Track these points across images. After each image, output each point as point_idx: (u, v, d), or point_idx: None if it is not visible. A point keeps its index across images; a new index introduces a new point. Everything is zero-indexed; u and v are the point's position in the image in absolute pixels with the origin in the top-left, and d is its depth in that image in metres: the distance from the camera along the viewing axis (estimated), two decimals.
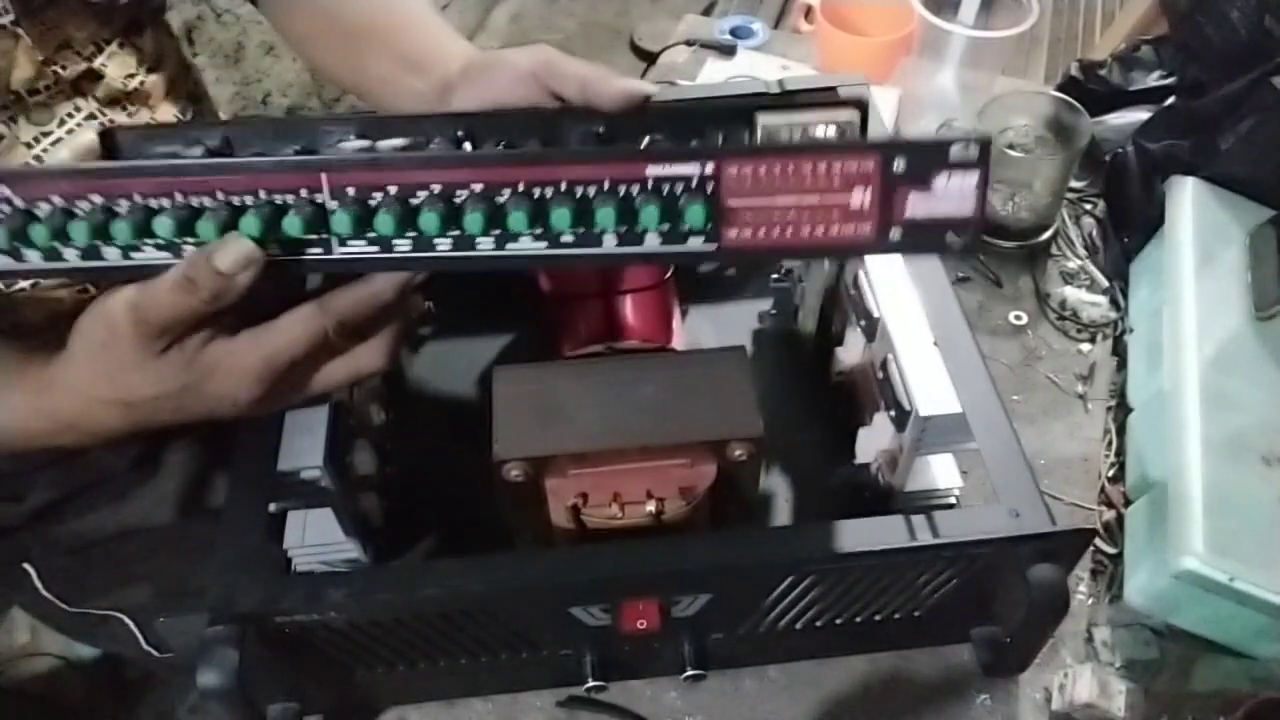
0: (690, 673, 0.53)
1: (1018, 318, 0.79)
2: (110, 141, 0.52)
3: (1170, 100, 0.84)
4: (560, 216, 0.40)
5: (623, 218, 0.41)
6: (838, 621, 0.53)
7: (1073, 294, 0.80)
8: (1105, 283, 0.81)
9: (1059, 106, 0.83)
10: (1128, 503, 0.66)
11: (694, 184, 0.41)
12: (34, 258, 0.42)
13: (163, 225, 0.40)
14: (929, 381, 0.52)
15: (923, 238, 0.41)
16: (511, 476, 0.50)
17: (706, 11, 1.13)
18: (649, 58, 1.06)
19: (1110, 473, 0.70)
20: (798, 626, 0.53)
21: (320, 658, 0.51)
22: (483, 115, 0.51)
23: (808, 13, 1.03)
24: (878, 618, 0.53)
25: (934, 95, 0.91)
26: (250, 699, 0.46)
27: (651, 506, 0.49)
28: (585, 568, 0.47)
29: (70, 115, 0.59)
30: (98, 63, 0.60)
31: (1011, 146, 0.83)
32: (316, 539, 0.54)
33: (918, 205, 0.41)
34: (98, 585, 0.74)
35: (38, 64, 0.56)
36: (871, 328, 0.57)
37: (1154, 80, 0.87)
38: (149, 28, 0.65)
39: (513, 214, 0.41)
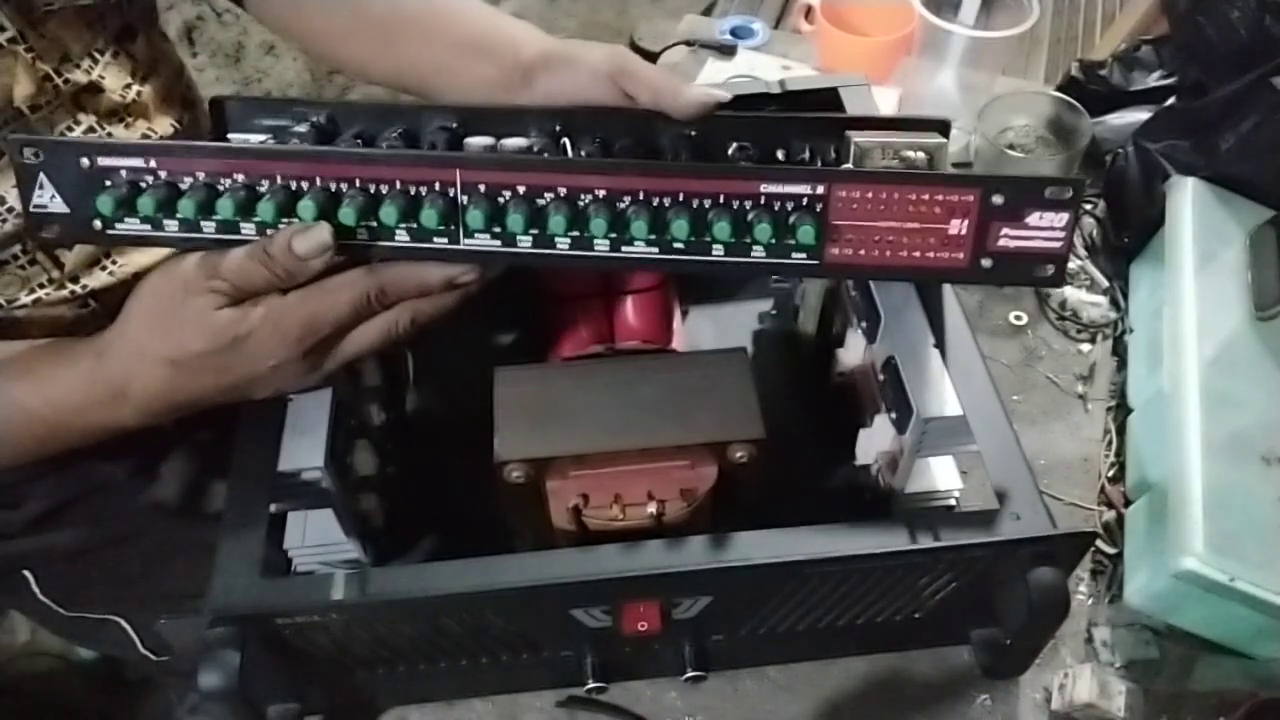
0: (691, 674, 0.53)
1: (1018, 318, 0.79)
2: (219, 112, 0.56)
3: (1170, 100, 0.84)
4: (679, 227, 0.43)
5: (736, 232, 0.43)
6: (838, 623, 0.53)
7: (1073, 294, 0.80)
8: (1105, 283, 0.81)
9: (1059, 107, 0.83)
10: (1128, 503, 0.67)
11: (804, 203, 0.43)
12: (172, 227, 0.45)
13: (305, 208, 0.44)
14: (930, 383, 0.52)
15: (1012, 269, 0.44)
16: (512, 478, 0.50)
17: (707, 11, 1.13)
18: (649, 58, 1.06)
19: (1110, 473, 0.70)
20: (798, 628, 0.53)
21: (321, 659, 0.51)
22: (578, 112, 0.55)
23: (808, 13, 1.03)
24: (878, 619, 0.53)
25: (934, 95, 0.92)
26: (251, 700, 0.46)
27: (652, 508, 0.49)
28: (586, 570, 0.47)
29: (70, 129, 0.59)
30: (95, 74, 0.60)
31: (1012, 147, 0.83)
32: (317, 539, 0.54)
33: (1010, 238, 0.43)
34: (95, 590, 0.74)
35: (38, 79, 0.56)
36: (873, 329, 0.57)
37: (1154, 80, 0.87)
38: (141, 33, 0.65)
39: (634, 222, 0.43)
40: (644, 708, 0.58)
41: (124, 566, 0.74)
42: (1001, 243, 0.43)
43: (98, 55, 0.61)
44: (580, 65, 0.55)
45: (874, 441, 0.59)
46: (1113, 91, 0.88)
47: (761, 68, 1.00)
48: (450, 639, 0.51)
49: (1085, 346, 0.77)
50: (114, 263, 0.63)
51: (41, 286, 0.60)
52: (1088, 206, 0.86)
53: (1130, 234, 0.80)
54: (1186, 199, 0.73)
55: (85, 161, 0.44)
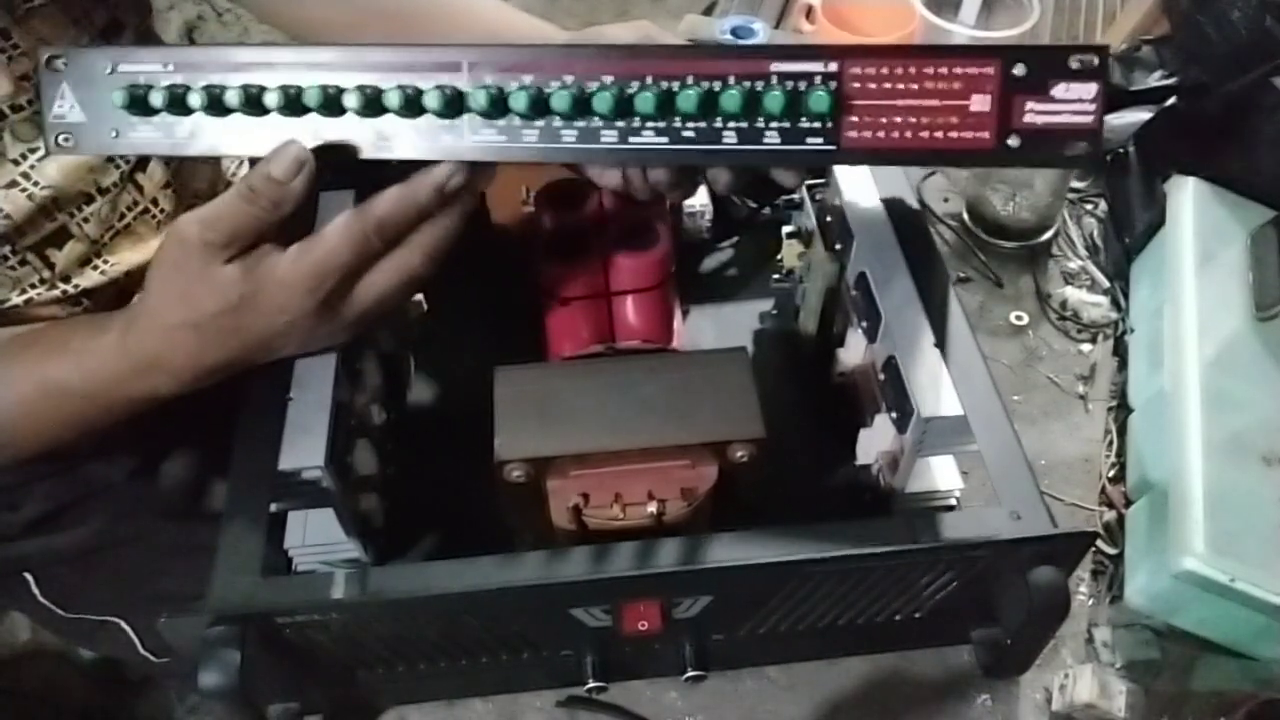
0: (691, 673, 0.53)
1: (1018, 318, 0.79)
2: None
3: (1171, 100, 0.84)
4: (686, 99, 0.42)
5: (747, 106, 0.42)
6: (839, 623, 0.53)
7: (1073, 294, 0.80)
8: (1106, 283, 0.81)
9: None
10: (1128, 503, 0.67)
11: (816, 80, 0.42)
12: (183, 133, 0.46)
13: (311, 97, 0.45)
14: (931, 383, 0.52)
15: (1042, 147, 0.42)
16: (513, 477, 0.50)
17: (707, 11, 1.13)
18: None
19: (1111, 473, 0.70)
20: (799, 628, 0.53)
21: (321, 658, 0.50)
22: None
23: (808, 13, 1.03)
24: (878, 619, 0.53)
25: None
26: (251, 700, 0.46)
27: (653, 507, 0.49)
28: (586, 569, 0.47)
29: None
30: None
31: None
32: (317, 539, 0.54)
33: (1037, 113, 0.41)
34: (95, 592, 0.74)
35: (15, 79, 0.56)
36: (873, 329, 0.57)
37: (1155, 80, 0.87)
38: (128, 28, 0.64)
39: (639, 96, 0.42)
40: (644, 708, 0.58)
41: (124, 568, 0.73)
42: (1028, 118, 0.42)
43: None
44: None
45: (874, 441, 0.59)
46: (1113, 91, 0.88)
47: None
48: (450, 638, 0.51)
49: (1086, 346, 0.77)
50: (105, 262, 0.62)
51: (33, 286, 0.60)
52: (1088, 206, 0.86)
53: (1131, 234, 0.80)
54: (1186, 199, 0.73)
55: (107, 67, 0.46)
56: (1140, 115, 0.83)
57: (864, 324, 0.58)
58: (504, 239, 0.73)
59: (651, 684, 0.59)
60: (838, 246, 0.62)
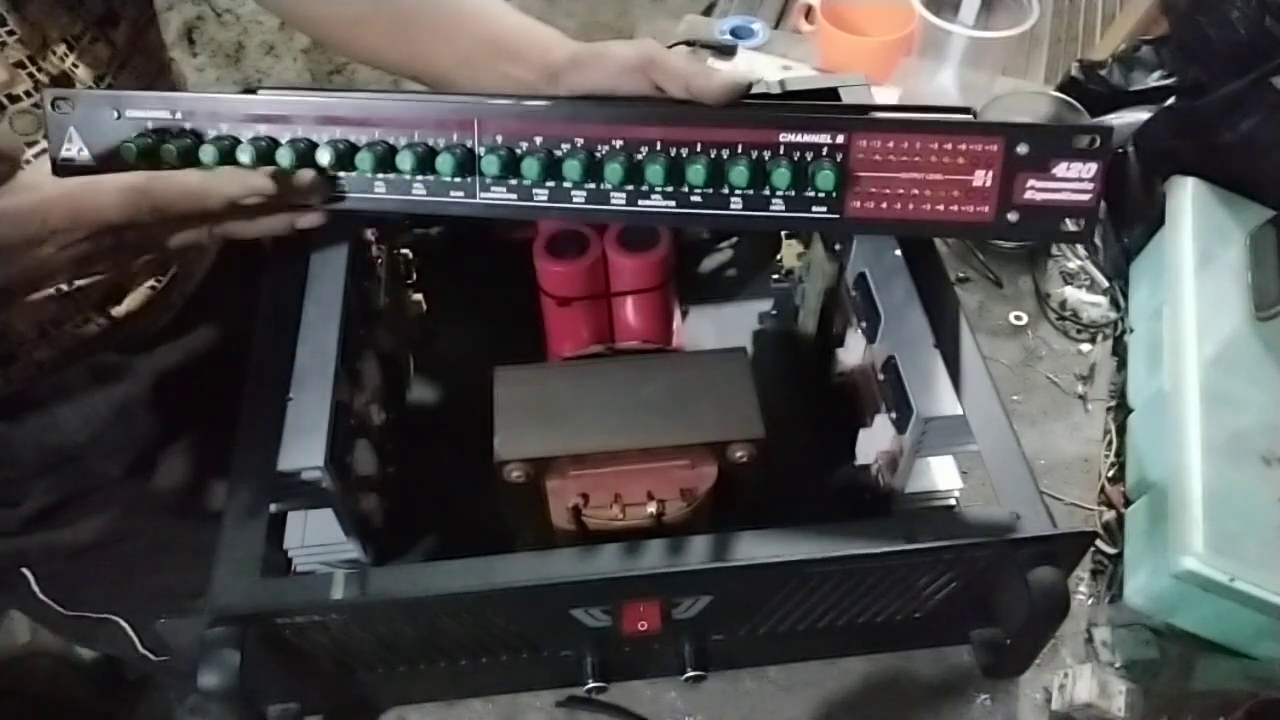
0: (691, 674, 0.53)
1: (1018, 318, 0.79)
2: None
3: (1170, 100, 0.84)
4: (695, 173, 0.43)
5: (755, 178, 0.43)
6: (839, 623, 0.53)
7: (1073, 294, 0.80)
8: (1105, 283, 0.81)
9: (1059, 107, 0.83)
10: (1128, 503, 0.67)
11: (824, 152, 0.43)
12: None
13: (323, 156, 0.46)
14: (930, 383, 0.52)
15: (1039, 222, 0.43)
16: (512, 477, 0.50)
17: (707, 11, 1.13)
18: None
19: (1110, 473, 0.70)
20: (799, 628, 0.53)
21: (321, 658, 0.51)
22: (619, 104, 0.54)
23: (808, 13, 1.03)
24: (878, 619, 0.53)
25: (934, 95, 0.92)
26: (251, 700, 0.46)
27: (652, 508, 0.49)
28: (586, 569, 0.47)
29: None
30: (69, 63, 0.59)
31: None
32: (316, 539, 0.54)
33: (1036, 190, 0.43)
34: (94, 589, 0.74)
35: (10, 67, 0.55)
36: (873, 329, 0.57)
37: (1154, 80, 0.87)
38: (124, 20, 0.64)
39: (650, 168, 0.43)
40: (644, 707, 0.58)
41: (124, 564, 0.73)
42: (1028, 195, 0.43)
43: (74, 42, 0.59)
44: (610, 60, 0.54)
45: (874, 441, 0.59)
46: (1113, 91, 0.88)
47: (761, 68, 1.00)
48: (450, 639, 0.51)
49: (1085, 346, 0.77)
50: None
51: None
52: None
53: (1130, 234, 0.80)
54: (1186, 199, 0.73)
55: (114, 113, 0.46)
56: (1140, 115, 0.83)
57: (863, 324, 0.58)
58: (504, 240, 0.73)
59: (651, 684, 0.59)
60: (837, 247, 0.62)
